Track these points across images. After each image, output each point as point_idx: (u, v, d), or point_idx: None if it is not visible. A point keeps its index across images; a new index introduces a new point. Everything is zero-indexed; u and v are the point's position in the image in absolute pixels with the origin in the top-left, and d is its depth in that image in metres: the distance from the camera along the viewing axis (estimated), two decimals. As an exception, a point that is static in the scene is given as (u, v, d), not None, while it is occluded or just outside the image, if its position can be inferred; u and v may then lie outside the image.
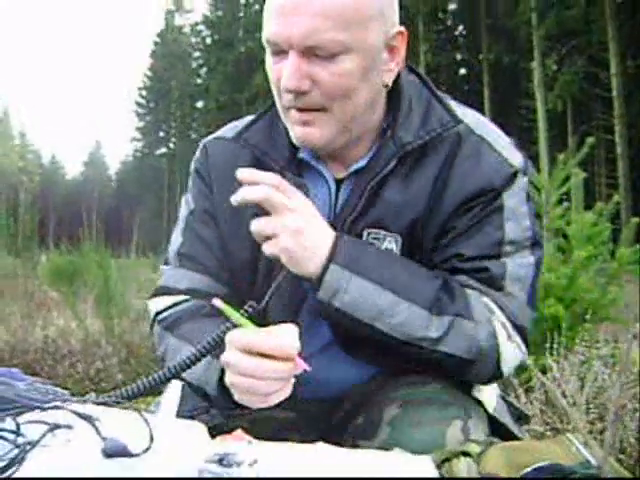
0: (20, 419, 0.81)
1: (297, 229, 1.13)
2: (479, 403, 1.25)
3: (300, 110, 1.20)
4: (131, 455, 0.79)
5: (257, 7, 50.23)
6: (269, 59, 1.23)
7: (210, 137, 1.46)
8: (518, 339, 1.24)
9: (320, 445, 0.91)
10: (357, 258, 1.17)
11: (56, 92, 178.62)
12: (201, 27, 58.27)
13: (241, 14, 51.91)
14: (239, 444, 0.85)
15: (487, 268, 1.23)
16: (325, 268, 1.15)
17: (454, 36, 40.69)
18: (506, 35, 33.85)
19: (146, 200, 65.32)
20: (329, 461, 0.87)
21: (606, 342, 2.77)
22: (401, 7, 1.34)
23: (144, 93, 69.27)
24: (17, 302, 6.01)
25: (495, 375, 1.24)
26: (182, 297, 1.34)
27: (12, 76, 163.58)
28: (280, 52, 1.19)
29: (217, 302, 1.06)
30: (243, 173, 1.15)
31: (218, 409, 1.21)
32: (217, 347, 1.10)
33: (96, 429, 0.81)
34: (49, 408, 0.85)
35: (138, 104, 69.89)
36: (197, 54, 60.09)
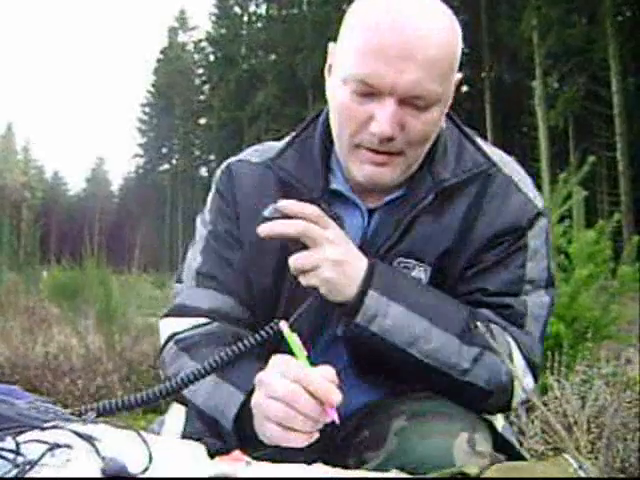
0: (20, 438, 0.82)
1: (337, 260, 1.15)
2: (486, 420, 1.26)
3: (377, 152, 1.20)
4: (130, 475, 0.79)
5: (259, 25, 50.55)
6: (343, 93, 1.19)
7: (233, 159, 1.43)
8: (530, 376, 1.28)
9: (318, 466, 0.91)
10: (393, 285, 1.19)
11: (59, 108, 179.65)
12: (204, 44, 58.66)
13: (244, 31, 52.19)
14: (237, 465, 0.85)
15: (511, 305, 1.26)
16: (363, 294, 1.16)
17: (456, 54, 40.85)
18: (508, 53, 34.04)
19: (148, 216, 65.30)
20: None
21: (607, 361, 2.76)
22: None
23: (147, 110, 69.68)
24: (18, 317, 6.00)
25: (504, 408, 1.27)
26: (203, 320, 1.30)
27: (15, 92, 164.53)
28: (370, 94, 1.16)
29: (284, 327, 1.08)
30: (284, 204, 1.15)
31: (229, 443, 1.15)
32: (226, 365, 1.12)
33: (95, 449, 0.81)
34: (49, 428, 0.85)
35: (141, 121, 70.29)
36: (200, 71, 60.41)
